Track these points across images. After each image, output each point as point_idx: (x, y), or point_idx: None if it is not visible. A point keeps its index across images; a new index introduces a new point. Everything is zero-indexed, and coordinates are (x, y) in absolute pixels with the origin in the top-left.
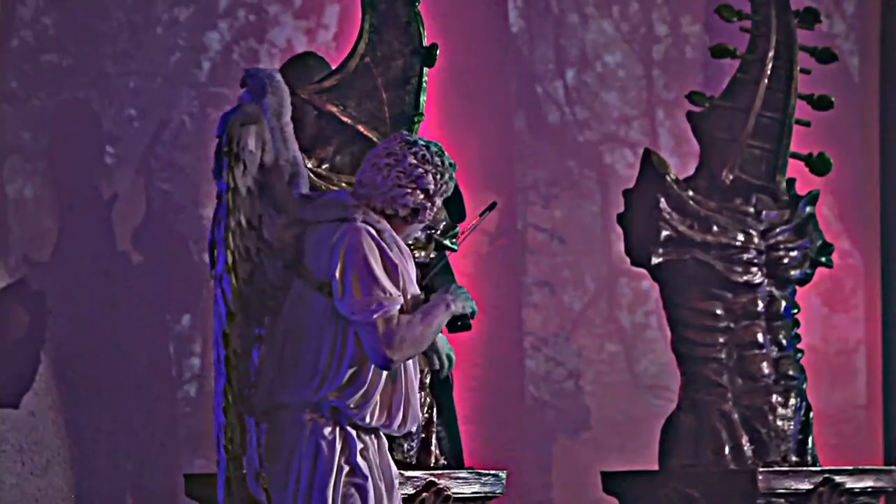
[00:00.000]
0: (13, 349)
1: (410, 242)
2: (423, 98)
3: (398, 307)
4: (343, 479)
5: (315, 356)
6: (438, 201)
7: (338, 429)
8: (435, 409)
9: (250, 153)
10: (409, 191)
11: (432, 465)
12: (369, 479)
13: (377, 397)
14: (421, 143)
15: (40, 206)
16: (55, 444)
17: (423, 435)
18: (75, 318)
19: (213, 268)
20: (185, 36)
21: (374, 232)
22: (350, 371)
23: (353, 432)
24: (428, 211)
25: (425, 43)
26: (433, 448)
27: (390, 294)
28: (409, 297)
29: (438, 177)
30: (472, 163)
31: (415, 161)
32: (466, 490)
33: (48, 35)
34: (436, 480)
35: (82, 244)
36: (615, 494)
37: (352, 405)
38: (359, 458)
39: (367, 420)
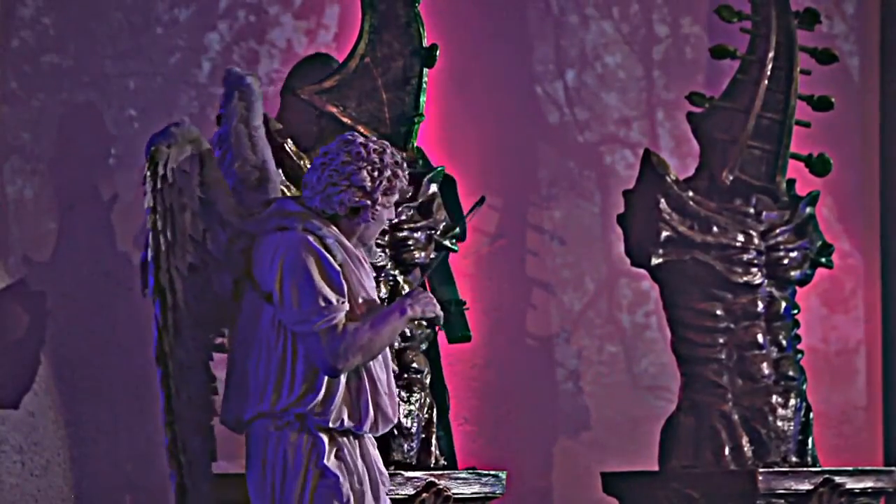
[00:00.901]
0: (13, 349)
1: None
2: (423, 99)
3: (341, 314)
4: (313, 483)
5: (268, 367)
6: (382, 199)
7: (304, 434)
8: (435, 410)
9: (182, 173)
10: (342, 188)
11: (432, 465)
12: (343, 480)
13: (339, 400)
14: (359, 141)
15: (40, 207)
16: (55, 445)
17: (424, 435)
18: (75, 318)
19: (144, 289)
20: (185, 36)
21: (312, 239)
22: (305, 378)
23: (324, 436)
24: (370, 210)
25: (425, 43)
26: (433, 448)
27: (331, 302)
28: (359, 301)
29: (375, 174)
30: (472, 163)
31: (348, 158)
32: (466, 490)
33: (48, 35)
34: (436, 481)
35: (82, 245)
36: (615, 495)
37: (315, 411)
38: (330, 461)
39: (335, 423)
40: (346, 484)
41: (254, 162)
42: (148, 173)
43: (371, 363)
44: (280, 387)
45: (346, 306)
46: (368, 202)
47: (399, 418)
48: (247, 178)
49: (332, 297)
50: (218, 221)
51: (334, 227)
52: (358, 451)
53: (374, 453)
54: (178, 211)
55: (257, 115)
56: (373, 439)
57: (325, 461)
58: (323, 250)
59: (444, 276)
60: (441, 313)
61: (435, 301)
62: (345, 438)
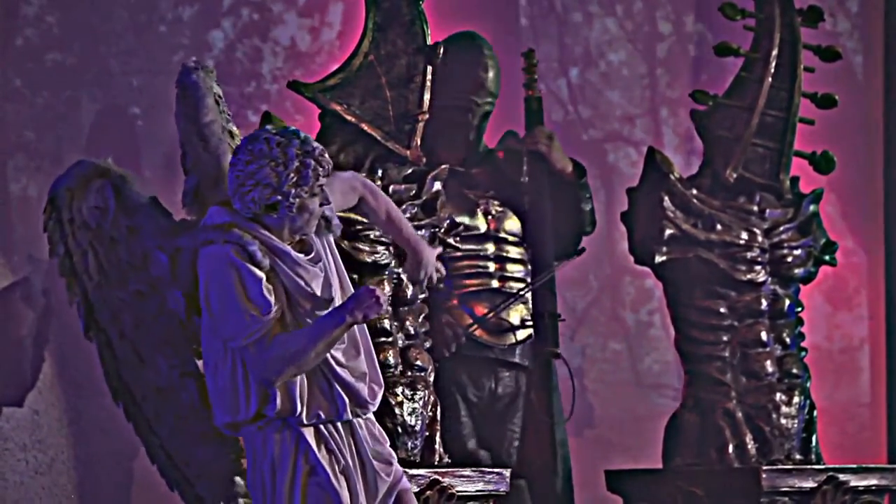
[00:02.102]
0: (17, 348)
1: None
2: (426, 96)
3: (267, 326)
4: (303, 479)
5: (224, 380)
6: (297, 191)
7: (287, 431)
8: (439, 408)
9: (94, 210)
10: (249, 188)
11: (436, 463)
12: (332, 475)
13: (304, 396)
14: (263, 136)
15: (44, 205)
16: (59, 443)
17: (427, 433)
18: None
19: (86, 332)
20: (189, 34)
21: (234, 251)
22: (257, 389)
23: (307, 431)
24: (286, 204)
25: (429, 41)
26: (437, 446)
27: (254, 316)
28: (300, 301)
29: (280, 168)
30: None
31: (250, 157)
32: (470, 488)
33: (52, 34)
34: (439, 479)
35: None
36: (619, 493)
37: (282, 415)
38: (319, 455)
39: (311, 419)
40: (335, 478)
41: (206, 160)
42: (50, 221)
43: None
44: (237, 400)
45: (273, 315)
46: (279, 197)
47: (404, 416)
48: (204, 178)
49: (255, 310)
50: (153, 244)
51: (262, 230)
52: (346, 438)
53: (368, 434)
54: (104, 246)
55: (204, 111)
56: (371, 419)
57: (312, 456)
58: (244, 263)
59: (546, 285)
60: (388, 310)
61: (381, 299)
62: (330, 428)
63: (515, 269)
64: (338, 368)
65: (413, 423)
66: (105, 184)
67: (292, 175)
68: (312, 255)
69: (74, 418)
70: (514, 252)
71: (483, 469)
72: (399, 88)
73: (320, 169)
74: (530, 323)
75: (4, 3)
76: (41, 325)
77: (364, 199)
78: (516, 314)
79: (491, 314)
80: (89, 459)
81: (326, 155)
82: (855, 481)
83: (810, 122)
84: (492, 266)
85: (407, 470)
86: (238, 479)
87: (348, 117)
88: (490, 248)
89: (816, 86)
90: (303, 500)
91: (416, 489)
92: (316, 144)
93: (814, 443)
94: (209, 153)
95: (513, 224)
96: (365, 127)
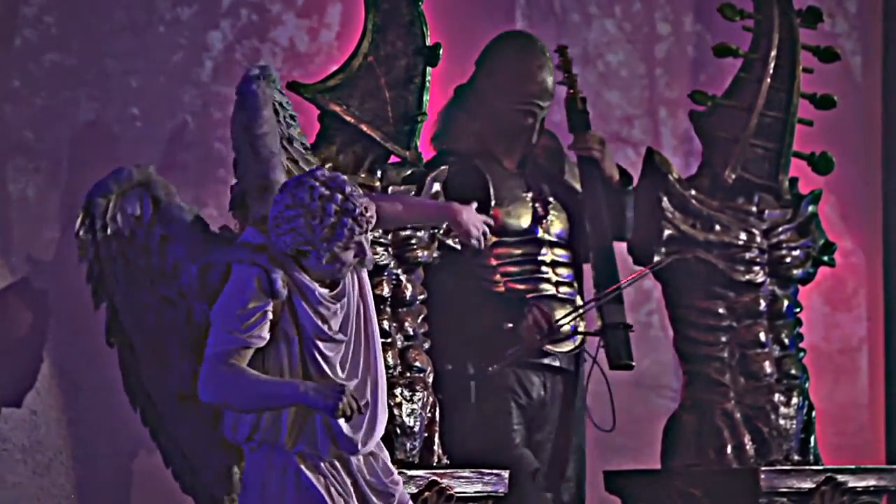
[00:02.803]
0: (15, 348)
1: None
2: (426, 97)
3: (236, 346)
4: (294, 499)
5: None
6: (328, 245)
7: (277, 455)
8: (437, 409)
9: (130, 218)
10: (283, 231)
11: (434, 464)
12: (324, 493)
13: (291, 425)
14: (308, 184)
15: (43, 206)
16: (57, 444)
17: (426, 434)
18: (78, 317)
19: (109, 339)
20: (188, 35)
21: (255, 274)
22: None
23: (297, 458)
24: (318, 255)
25: (428, 42)
26: (436, 447)
27: (232, 331)
28: (310, 341)
29: (315, 222)
30: None
31: (291, 202)
32: (469, 489)
33: (51, 34)
34: (438, 480)
35: None
36: (617, 493)
37: (268, 440)
38: (311, 477)
39: (293, 448)
40: (329, 497)
41: (255, 171)
42: (81, 228)
43: None
44: (234, 419)
45: (251, 341)
46: (310, 248)
47: (402, 417)
48: (250, 188)
49: (238, 331)
50: (185, 254)
51: (292, 262)
52: (339, 476)
53: (365, 467)
54: (135, 254)
55: (261, 123)
56: (377, 450)
57: (304, 478)
58: (255, 287)
59: (615, 303)
60: (343, 411)
61: (342, 404)
62: (321, 463)
63: (564, 273)
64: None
65: (412, 423)
66: (143, 193)
67: (327, 231)
68: (337, 290)
69: (73, 419)
70: (562, 255)
71: (482, 470)
72: (398, 89)
73: (357, 228)
74: (583, 331)
75: (3, 3)
76: (39, 325)
77: (378, 209)
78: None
79: (573, 315)
80: (88, 460)
81: (370, 211)
82: (853, 482)
83: (809, 122)
84: (548, 271)
85: (405, 471)
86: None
87: (347, 118)
88: (546, 252)
89: (815, 86)
90: None
91: (414, 490)
92: (358, 201)
93: (812, 443)
94: (259, 164)
95: (559, 226)
96: (364, 128)
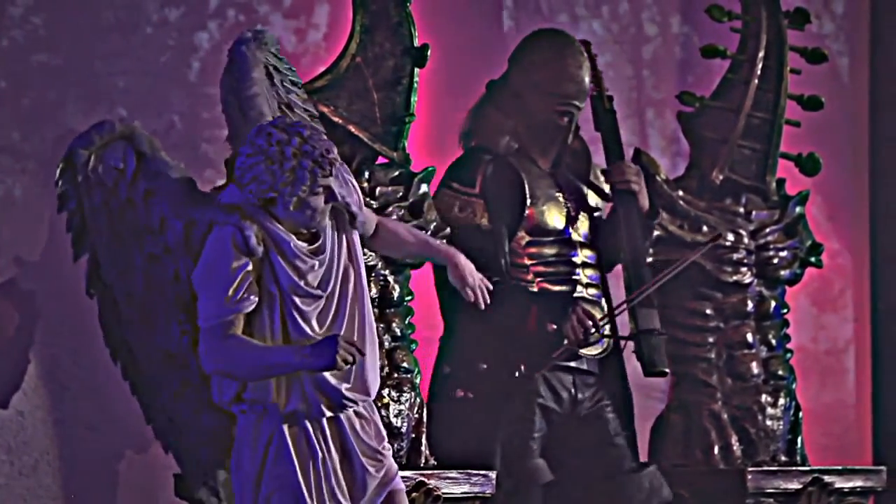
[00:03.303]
0: (2, 349)
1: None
2: (413, 98)
3: (231, 316)
4: (272, 467)
5: None
6: (292, 189)
7: (266, 419)
8: (425, 410)
9: (113, 170)
10: (248, 181)
11: (422, 465)
12: (297, 467)
13: (278, 386)
14: (266, 131)
15: (30, 207)
16: (44, 444)
17: (414, 435)
18: (64, 318)
19: (88, 289)
20: (176, 36)
21: (231, 235)
22: None
23: (284, 424)
24: (284, 202)
25: (416, 43)
26: (423, 448)
27: (224, 304)
28: (289, 292)
29: (275, 167)
30: None
31: (250, 150)
32: (456, 490)
33: (38, 35)
34: (426, 480)
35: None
36: None
37: (255, 400)
38: (290, 446)
39: (287, 408)
40: (301, 472)
41: (244, 134)
42: (61, 178)
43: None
44: (220, 381)
45: (243, 310)
46: (275, 194)
47: (389, 418)
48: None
49: (228, 300)
50: (171, 211)
51: (268, 216)
52: (331, 431)
53: (359, 429)
54: (119, 206)
55: (250, 84)
56: (366, 414)
57: (285, 447)
58: (231, 248)
59: (646, 301)
60: (346, 360)
61: (342, 353)
62: (309, 423)
63: (591, 274)
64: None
65: (399, 424)
66: (126, 146)
67: (287, 174)
68: (317, 245)
69: (59, 420)
70: (590, 256)
71: (469, 471)
72: (386, 90)
73: (319, 170)
74: (620, 335)
75: None
76: (27, 326)
77: (381, 224)
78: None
79: (617, 311)
80: (74, 461)
81: (332, 153)
82: (840, 483)
83: (796, 123)
84: (580, 273)
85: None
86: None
87: (335, 119)
88: (577, 253)
89: (802, 88)
90: (266, 489)
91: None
92: (318, 143)
93: (799, 444)
94: (248, 125)
95: (586, 227)
96: (352, 129)
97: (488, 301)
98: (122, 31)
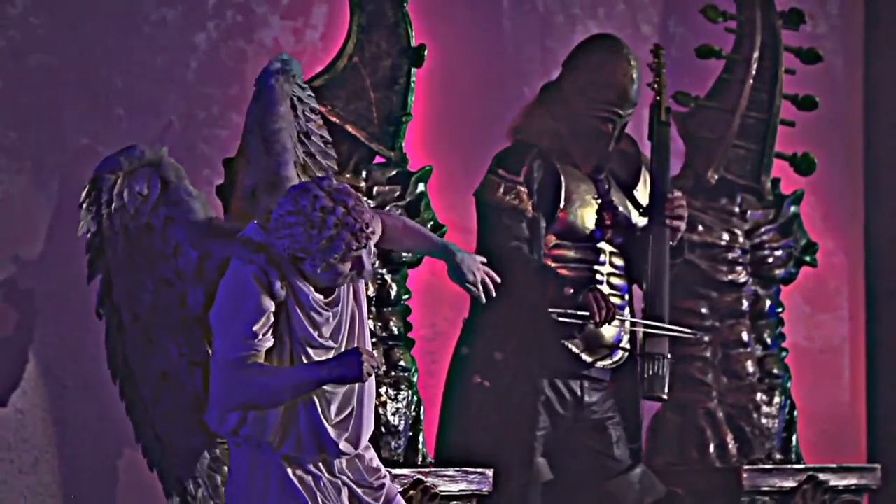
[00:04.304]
0: (1, 348)
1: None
2: (410, 98)
3: (250, 352)
4: (276, 498)
5: (213, 391)
6: (324, 256)
7: (261, 454)
8: (422, 408)
9: (136, 196)
10: (282, 236)
11: (419, 463)
12: (306, 496)
13: (277, 426)
14: (313, 193)
15: (27, 206)
16: (43, 442)
17: (411, 433)
18: (63, 317)
19: (99, 309)
20: (173, 36)
21: (253, 274)
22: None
23: (283, 461)
24: (313, 263)
25: (413, 43)
26: (420, 446)
27: (240, 339)
28: (299, 344)
29: (314, 232)
30: (459, 163)
31: (291, 208)
32: (453, 488)
33: (36, 35)
34: (423, 478)
35: (70, 244)
36: None
37: (251, 437)
38: (293, 477)
39: (280, 449)
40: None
41: (266, 165)
42: (86, 200)
43: (315, 393)
44: (221, 413)
45: (262, 344)
46: (306, 256)
47: (387, 416)
48: (261, 182)
49: (248, 336)
50: (188, 239)
51: (290, 266)
52: (324, 476)
53: (350, 467)
54: (138, 231)
55: (275, 119)
56: (360, 460)
57: (287, 480)
58: (258, 289)
59: (657, 328)
60: (367, 371)
61: (366, 364)
62: (307, 463)
63: (617, 283)
64: (320, 415)
65: (396, 423)
66: (153, 173)
67: (324, 242)
68: (332, 297)
69: (59, 418)
70: (619, 266)
71: (466, 469)
72: (383, 90)
73: (355, 242)
74: (627, 347)
75: None
76: (26, 325)
77: (382, 220)
78: (614, 337)
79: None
80: (73, 459)
81: (371, 227)
82: (834, 481)
83: (791, 123)
84: (603, 280)
85: (390, 470)
86: (217, 477)
87: (333, 118)
88: (605, 261)
89: (797, 88)
90: None
91: (399, 489)
92: (360, 216)
93: (794, 442)
94: (270, 159)
95: (621, 235)
96: (349, 128)
97: (492, 294)
98: (119, 31)
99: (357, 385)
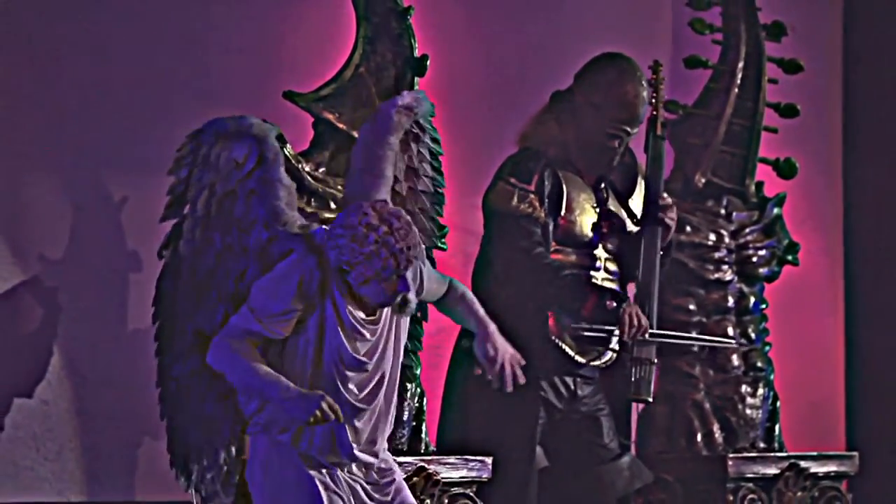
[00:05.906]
0: (28, 342)
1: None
2: None
3: (258, 327)
4: (291, 488)
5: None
6: (363, 270)
7: (279, 443)
8: (425, 399)
9: (232, 162)
10: (331, 247)
11: (423, 451)
12: (320, 486)
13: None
14: (364, 209)
15: (53, 207)
16: (67, 432)
17: (415, 423)
18: (86, 312)
19: (162, 249)
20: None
21: (304, 267)
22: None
23: (304, 462)
24: (354, 276)
25: (416, 54)
26: (423, 436)
27: (262, 317)
28: (332, 357)
29: (356, 246)
30: (463, 170)
31: (343, 222)
32: (455, 475)
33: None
34: (426, 466)
35: (93, 243)
36: None
37: (267, 427)
38: (307, 468)
39: (297, 446)
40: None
41: (362, 183)
42: (187, 147)
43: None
44: (247, 399)
45: (268, 329)
46: (348, 268)
47: None
48: (349, 197)
49: (266, 314)
50: (264, 218)
51: (338, 275)
52: (335, 471)
53: (358, 475)
54: (224, 194)
55: (384, 145)
56: (369, 465)
57: (303, 470)
58: (298, 284)
59: (686, 338)
60: (325, 417)
61: (320, 414)
62: (316, 465)
63: (612, 287)
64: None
65: (400, 413)
66: (253, 145)
67: (363, 257)
68: (373, 317)
69: (81, 409)
70: (614, 272)
71: (467, 457)
72: (388, 98)
73: (393, 262)
74: (616, 349)
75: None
76: (50, 321)
77: (449, 284)
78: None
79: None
80: (95, 448)
81: (414, 251)
82: (815, 468)
83: (774, 130)
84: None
85: (396, 458)
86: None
87: (340, 125)
88: (600, 267)
89: (780, 96)
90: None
91: (403, 476)
92: (402, 239)
93: (777, 432)
94: (365, 177)
95: (615, 242)
96: (355, 135)
97: (508, 387)
98: (127, 32)
99: (379, 408)
